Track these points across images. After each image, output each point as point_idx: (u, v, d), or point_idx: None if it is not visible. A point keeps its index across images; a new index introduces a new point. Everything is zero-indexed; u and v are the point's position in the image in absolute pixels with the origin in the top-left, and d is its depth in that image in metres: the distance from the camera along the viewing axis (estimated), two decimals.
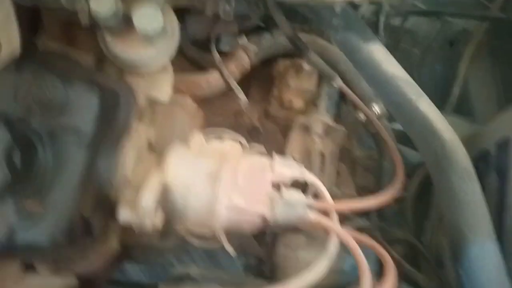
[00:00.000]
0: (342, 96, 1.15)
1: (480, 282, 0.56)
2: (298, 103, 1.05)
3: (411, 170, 1.07)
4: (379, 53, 0.73)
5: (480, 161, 0.81)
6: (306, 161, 0.99)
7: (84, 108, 0.54)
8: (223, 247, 0.70)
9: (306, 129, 1.01)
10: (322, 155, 1.01)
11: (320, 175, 0.90)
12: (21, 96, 0.52)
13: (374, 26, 1.04)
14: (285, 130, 1.07)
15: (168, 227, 0.86)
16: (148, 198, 0.57)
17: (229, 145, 0.67)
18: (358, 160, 1.11)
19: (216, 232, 0.67)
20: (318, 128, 0.98)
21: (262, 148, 0.72)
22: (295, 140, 1.02)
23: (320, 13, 0.75)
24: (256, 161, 0.68)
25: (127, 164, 0.61)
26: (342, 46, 0.76)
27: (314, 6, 0.76)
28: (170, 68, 0.70)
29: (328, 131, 1.01)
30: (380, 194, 0.77)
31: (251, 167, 0.66)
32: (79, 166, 0.55)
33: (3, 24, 0.46)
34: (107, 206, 0.62)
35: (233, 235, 0.68)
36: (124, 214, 0.59)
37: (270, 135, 1.07)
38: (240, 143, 0.69)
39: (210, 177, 0.63)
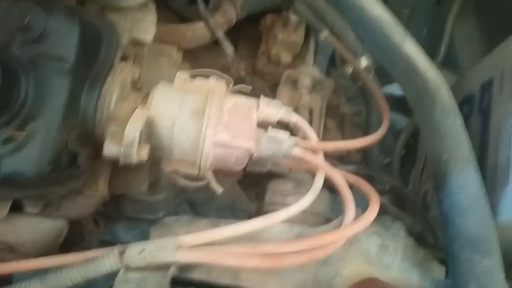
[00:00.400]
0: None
1: (461, 207, 0.57)
2: (285, 57, 1.05)
3: (397, 133, 1.09)
4: None
5: (465, 105, 0.82)
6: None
7: (65, 36, 0.54)
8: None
9: (294, 83, 1.00)
10: (310, 110, 1.01)
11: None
12: (1, 22, 0.51)
13: None
14: (273, 86, 1.07)
15: (157, 178, 0.87)
16: (132, 128, 0.57)
17: (214, 82, 0.67)
18: (346, 116, 1.12)
19: (203, 169, 0.67)
20: (306, 81, 0.98)
21: (248, 89, 0.72)
22: (283, 94, 1.01)
23: None
24: (242, 99, 0.68)
25: (111, 100, 0.61)
26: None
27: None
28: (152, 7, 0.69)
29: (316, 84, 1.00)
30: (366, 137, 0.78)
31: (236, 104, 0.67)
32: (62, 95, 0.55)
33: None
34: (92, 141, 0.62)
35: (220, 171, 0.69)
36: (109, 148, 0.59)
37: (258, 91, 1.06)
38: (227, 82, 0.69)
39: (195, 113, 0.63)
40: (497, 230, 0.58)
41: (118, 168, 0.77)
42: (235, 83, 0.72)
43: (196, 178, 0.71)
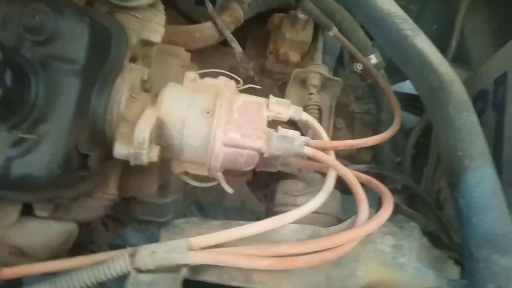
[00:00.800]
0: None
1: (477, 205, 0.56)
2: (294, 56, 1.04)
3: (407, 132, 1.07)
4: None
5: (479, 100, 0.80)
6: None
7: (75, 37, 0.54)
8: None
9: (303, 82, 0.99)
10: (319, 109, 1.00)
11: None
12: (11, 23, 0.51)
13: None
14: (282, 85, 1.07)
15: (166, 180, 0.87)
16: (143, 129, 0.57)
17: (224, 82, 0.66)
18: (356, 115, 1.11)
19: (213, 169, 0.67)
20: (314, 80, 0.97)
21: (258, 88, 0.71)
22: (292, 93, 1.01)
23: None
24: (251, 98, 0.67)
25: (121, 100, 0.61)
26: None
27: None
28: (161, 8, 0.69)
29: (325, 83, 0.99)
30: (378, 135, 0.77)
31: (246, 103, 0.66)
32: (72, 96, 0.55)
33: None
34: (102, 143, 0.61)
35: (229, 172, 0.69)
36: (119, 149, 0.59)
37: (266, 90, 1.06)
38: (235, 82, 0.68)
39: (205, 113, 0.63)
40: None
41: (128, 171, 0.76)
42: (244, 83, 0.71)
43: (206, 179, 0.71)
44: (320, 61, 1.03)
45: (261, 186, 1.04)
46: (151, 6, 0.68)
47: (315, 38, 1.04)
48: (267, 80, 1.08)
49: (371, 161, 0.98)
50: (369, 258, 0.58)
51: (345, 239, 0.55)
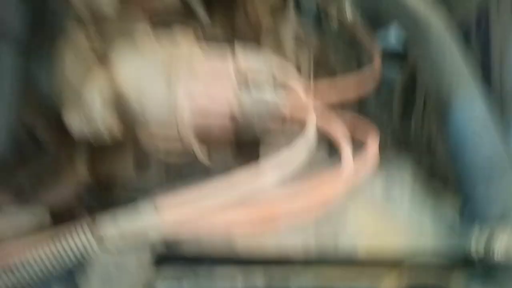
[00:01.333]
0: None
1: (471, 131, 0.52)
2: (265, 18, 0.98)
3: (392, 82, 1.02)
4: None
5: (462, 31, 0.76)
6: None
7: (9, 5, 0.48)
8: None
9: (278, 44, 0.94)
10: (298, 68, 0.95)
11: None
12: None
13: None
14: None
15: (144, 158, 0.81)
16: (92, 95, 0.51)
17: (183, 42, 0.60)
18: (337, 73, 1.06)
19: (184, 139, 0.61)
20: (289, 40, 0.92)
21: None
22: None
23: None
24: (217, 57, 0.62)
25: (64, 66, 0.54)
26: None
27: None
28: None
29: (300, 43, 0.94)
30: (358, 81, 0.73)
31: (210, 61, 0.60)
32: (8, 66, 0.49)
33: None
34: (55, 119, 0.56)
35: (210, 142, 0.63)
36: (72, 121, 0.53)
37: None
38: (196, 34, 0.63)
39: (164, 76, 0.57)
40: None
41: (100, 154, 0.72)
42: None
43: (182, 151, 0.65)
44: (293, 20, 0.97)
45: (246, 157, 0.99)
46: None
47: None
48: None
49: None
50: (358, 207, 0.53)
51: (329, 191, 0.50)
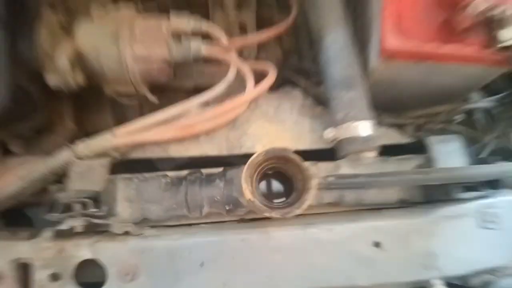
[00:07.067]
0: None
1: (331, 58, 0.71)
2: None
3: None
4: None
5: None
6: (229, 34, 1.10)
7: None
8: None
9: (221, 5, 1.11)
10: (242, 25, 1.12)
11: (244, 43, 1.01)
12: None
13: None
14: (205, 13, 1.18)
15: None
16: (62, 59, 0.72)
17: (125, 10, 0.80)
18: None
19: (135, 84, 0.82)
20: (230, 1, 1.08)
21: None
22: (215, 17, 1.12)
23: None
24: (151, 19, 0.81)
25: (42, 40, 0.75)
26: None
27: None
28: None
29: (240, 2, 1.11)
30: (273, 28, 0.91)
31: (146, 23, 0.80)
32: (2, 44, 0.69)
33: None
34: (38, 79, 0.77)
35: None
36: (51, 78, 0.74)
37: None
38: (136, 8, 0.82)
39: (113, 38, 0.77)
40: (372, 73, 0.72)
41: (83, 109, 0.93)
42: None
43: (135, 94, 0.86)
44: None
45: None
46: None
47: None
48: (191, 9, 1.20)
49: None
50: (257, 119, 0.74)
51: (233, 105, 0.71)
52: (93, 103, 0.95)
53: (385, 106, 0.81)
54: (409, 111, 0.81)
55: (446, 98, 0.81)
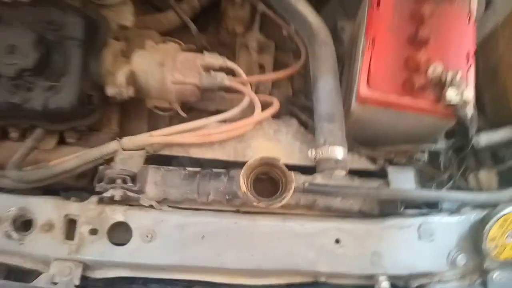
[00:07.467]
0: None
1: (321, 98, 0.94)
2: (238, 28, 1.42)
3: None
4: None
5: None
6: (250, 71, 1.35)
7: (75, 24, 0.94)
8: None
9: (246, 47, 1.37)
10: (261, 65, 1.37)
11: (261, 79, 1.25)
12: (37, 20, 0.92)
13: None
14: (233, 52, 1.45)
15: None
16: (120, 76, 0.97)
17: (171, 45, 1.06)
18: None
19: (171, 101, 1.06)
20: (253, 44, 1.35)
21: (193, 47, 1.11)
22: (240, 57, 1.38)
23: None
24: (190, 54, 1.07)
25: (107, 62, 1.01)
26: None
27: None
28: (128, 2, 1.09)
29: (262, 46, 1.37)
30: (284, 70, 1.16)
31: (186, 57, 1.05)
32: (78, 60, 0.95)
33: None
34: (101, 89, 1.02)
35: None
36: (110, 90, 0.99)
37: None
38: (180, 45, 1.08)
39: (159, 65, 1.02)
40: (351, 113, 0.94)
41: (125, 117, 1.17)
42: (201, 51, 1.10)
43: (168, 110, 1.10)
44: (257, 29, 1.40)
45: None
46: (122, 2, 1.08)
47: (253, 13, 1.41)
48: (223, 49, 1.46)
49: None
50: (259, 136, 0.97)
51: (243, 124, 0.94)
52: (134, 112, 1.20)
53: (363, 140, 1.02)
54: (381, 146, 1.02)
55: (413, 139, 1.02)
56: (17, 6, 0.92)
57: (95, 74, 1.00)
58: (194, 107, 1.16)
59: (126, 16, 1.10)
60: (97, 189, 0.87)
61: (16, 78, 0.91)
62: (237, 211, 0.90)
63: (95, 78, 1.01)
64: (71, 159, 0.93)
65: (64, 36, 0.95)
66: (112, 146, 0.92)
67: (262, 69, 1.38)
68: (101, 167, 0.91)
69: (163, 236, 0.82)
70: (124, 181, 0.85)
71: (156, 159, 0.95)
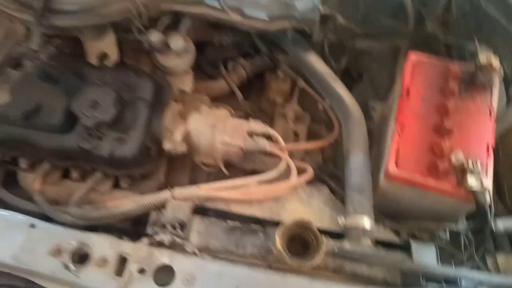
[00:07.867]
0: None
1: (352, 171, 1.05)
2: (279, 99, 1.58)
3: None
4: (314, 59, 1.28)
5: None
6: (285, 138, 1.48)
7: (146, 87, 1.11)
8: None
9: (284, 116, 1.52)
10: (296, 133, 1.51)
11: (295, 147, 1.39)
12: (115, 83, 1.10)
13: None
14: (272, 119, 1.60)
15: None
16: (177, 134, 1.12)
17: (222, 110, 1.22)
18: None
19: (217, 159, 1.20)
20: (290, 114, 1.50)
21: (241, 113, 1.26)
22: (278, 123, 1.53)
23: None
24: (238, 120, 1.22)
25: (167, 121, 1.17)
26: (295, 58, 1.32)
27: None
28: (190, 72, 1.27)
29: (298, 116, 1.52)
30: (318, 141, 1.29)
31: (235, 122, 1.20)
32: (144, 117, 1.11)
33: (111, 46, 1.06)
34: (159, 143, 1.16)
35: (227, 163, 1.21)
36: (167, 145, 1.14)
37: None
38: (230, 111, 1.24)
39: (211, 127, 1.17)
40: (379, 187, 1.05)
41: (171, 169, 1.31)
42: (245, 117, 1.25)
43: (213, 166, 1.23)
44: (295, 101, 1.55)
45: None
46: (185, 72, 1.26)
47: (292, 87, 1.58)
48: (263, 115, 1.62)
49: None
50: (293, 200, 1.07)
51: (281, 187, 1.05)
52: (179, 165, 1.33)
53: (388, 214, 1.11)
54: (405, 221, 1.11)
55: (435, 217, 1.10)
56: (102, 68, 1.11)
57: (156, 130, 1.15)
58: (233, 165, 1.29)
59: (187, 83, 1.27)
60: (148, 232, 0.98)
61: (93, 128, 1.06)
62: (269, 267, 0.99)
63: (155, 134, 1.16)
64: (126, 203, 1.05)
65: (136, 96, 1.11)
66: (164, 195, 1.04)
67: (296, 136, 1.52)
68: (153, 213, 1.02)
69: (202, 282, 0.91)
70: (174, 228, 0.96)
71: (201, 210, 1.06)
